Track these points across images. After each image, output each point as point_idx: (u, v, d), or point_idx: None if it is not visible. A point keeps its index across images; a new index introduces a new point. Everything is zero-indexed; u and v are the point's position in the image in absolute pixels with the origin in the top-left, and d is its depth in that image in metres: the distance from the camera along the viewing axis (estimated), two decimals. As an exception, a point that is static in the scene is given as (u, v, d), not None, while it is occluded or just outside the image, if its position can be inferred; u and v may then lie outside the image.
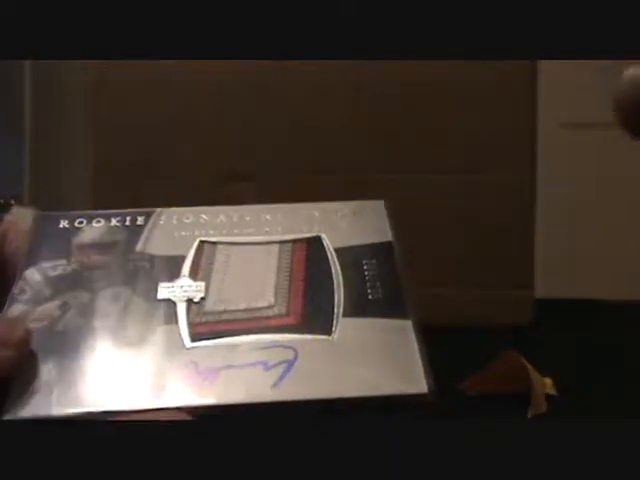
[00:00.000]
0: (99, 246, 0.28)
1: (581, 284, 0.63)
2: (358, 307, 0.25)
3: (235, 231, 0.29)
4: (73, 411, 0.22)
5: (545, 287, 0.59)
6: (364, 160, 0.57)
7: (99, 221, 0.29)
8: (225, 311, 0.25)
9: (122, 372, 0.23)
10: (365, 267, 0.27)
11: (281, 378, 0.23)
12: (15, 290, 0.26)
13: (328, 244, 0.28)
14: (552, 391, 0.45)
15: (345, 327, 0.25)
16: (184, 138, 0.62)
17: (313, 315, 0.25)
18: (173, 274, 0.27)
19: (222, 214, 0.30)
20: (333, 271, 0.27)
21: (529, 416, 0.42)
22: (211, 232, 0.29)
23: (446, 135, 0.57)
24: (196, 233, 0.29)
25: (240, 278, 0.27)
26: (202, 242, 0.28)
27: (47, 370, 0.23)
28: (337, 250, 0.28)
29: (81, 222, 0.29)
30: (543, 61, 0.56)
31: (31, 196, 0.74)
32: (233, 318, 0.25)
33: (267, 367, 0.23)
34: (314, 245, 0.28)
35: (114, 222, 0.29)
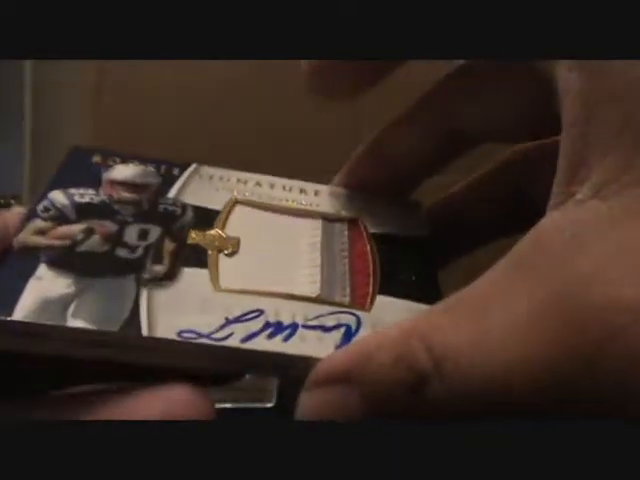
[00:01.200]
0: (131, 185, 0.27)
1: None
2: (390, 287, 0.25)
3: (273, 199, 0.28)
4: (85, 326, 0.21)
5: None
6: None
7: (133, 162, 0.28)
8: (256, 268, 0.24)
9: (143, 304, 0.22)
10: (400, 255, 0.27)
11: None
12: (38, 207, 0.25)
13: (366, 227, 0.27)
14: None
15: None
16: (184, 138, 0.62)
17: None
18: (205, 224, 0.26)
19: (262, 180, 0.29)
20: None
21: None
22: (247, 194, 0.28)
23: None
24: (234, 192, 0.28)
25: (274, 246, 0.26)
26: (237, 201, 0.27)
27: (66, 284, 0.22)
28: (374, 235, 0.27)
29: (114, 160, 0.28)
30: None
31: (31, 196, 0.74)
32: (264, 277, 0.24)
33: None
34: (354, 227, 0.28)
35: (149, 167, 0.28)
